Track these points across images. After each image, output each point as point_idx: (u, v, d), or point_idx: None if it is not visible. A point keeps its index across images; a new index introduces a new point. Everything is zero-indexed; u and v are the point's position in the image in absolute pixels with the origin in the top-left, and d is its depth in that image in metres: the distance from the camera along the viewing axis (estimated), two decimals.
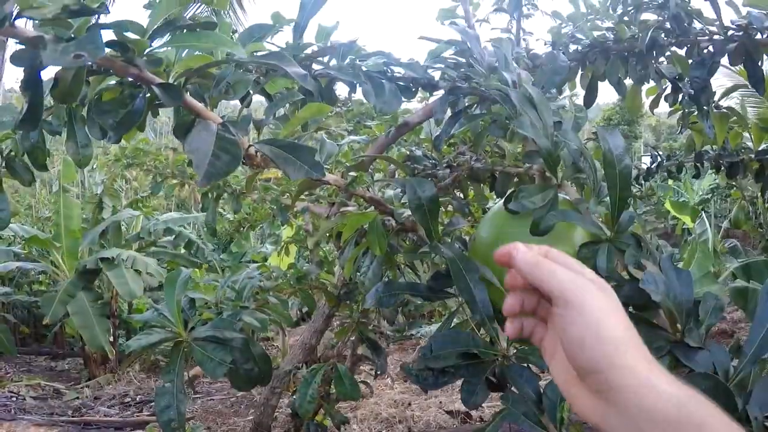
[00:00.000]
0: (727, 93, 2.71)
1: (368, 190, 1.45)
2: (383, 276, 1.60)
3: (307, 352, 3.21)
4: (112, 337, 7.17)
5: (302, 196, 2.97)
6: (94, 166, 9.40)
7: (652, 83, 2.46)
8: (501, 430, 1.04)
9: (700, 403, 0.62)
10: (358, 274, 1.61)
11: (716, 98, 2.61)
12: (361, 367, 4.53)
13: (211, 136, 0.88)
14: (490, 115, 1.34)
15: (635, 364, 0.64)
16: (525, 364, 1.08)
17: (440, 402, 4.84)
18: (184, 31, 1.01)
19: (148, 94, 1.01)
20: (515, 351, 1.11)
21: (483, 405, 1.15)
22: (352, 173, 1.39)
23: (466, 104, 1.48)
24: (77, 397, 6.48)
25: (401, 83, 1.52)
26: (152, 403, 6.11)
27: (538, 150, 1.15)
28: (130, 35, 0.97)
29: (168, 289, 1.68)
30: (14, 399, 6.27)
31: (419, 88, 1.55)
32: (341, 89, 1.63)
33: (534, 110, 1.16)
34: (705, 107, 2.47)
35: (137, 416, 5.54)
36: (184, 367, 1.59)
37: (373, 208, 1.51)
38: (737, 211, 8.53)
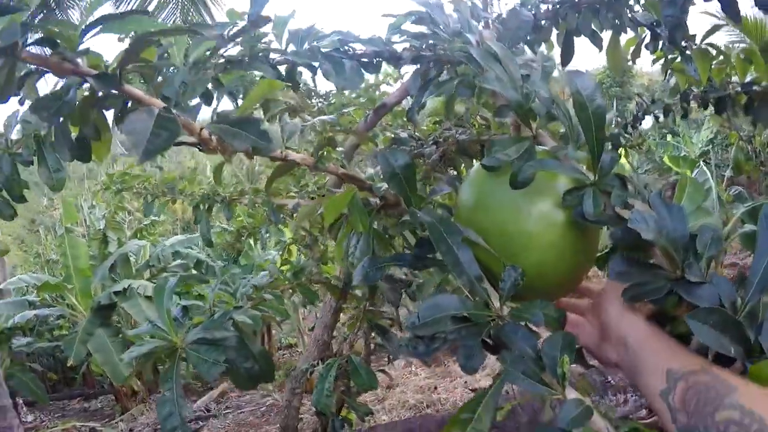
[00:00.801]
0: (708, 34, 2.65)
1: (342, 167, 1.43)
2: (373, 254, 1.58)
3: (321, 349, 3.19)
4: (137, 370, 7.18)
5: (292, 193, 2.97)
6: (93, 203, 9.45)
7: (631, 35, 2.43)
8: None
9: None
10: (349, 257, 1.59)
11: (698, 41, 2.56)
12: (381, 355, 4.53)
13: (150, 118, 0.87)
14: (457, 78, 1.32)
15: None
16: (520, 323, 1.05)
17: (465, 382, 4.83)
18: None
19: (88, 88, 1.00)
20: (509, 310, 1.08)
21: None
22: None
23: (435, 74, 1.46)
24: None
25: (364, 60, 1.51)
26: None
27: (508, 103, 1.13)
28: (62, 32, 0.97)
29: (157, 299, 1.68)
30: None
31: (383, 62, 1.54)
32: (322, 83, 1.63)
33: (499, 64, 1.13)
34: (684, 46, 2.43)
35: None
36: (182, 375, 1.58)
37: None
38: (736, 151, 8.44)
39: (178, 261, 8.12)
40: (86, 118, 1.10)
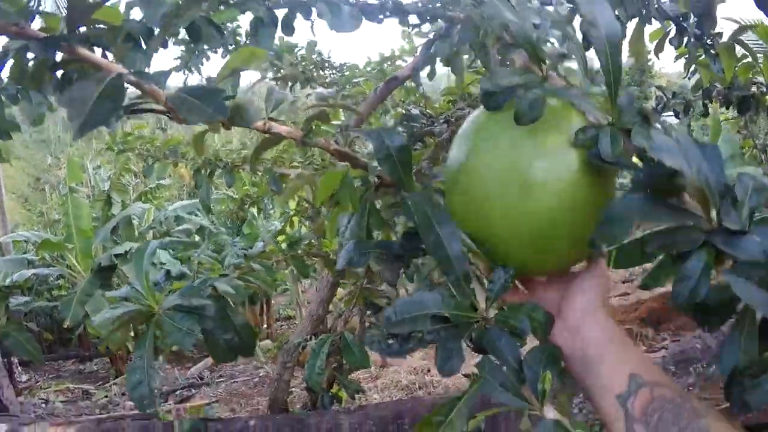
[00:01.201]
0: (736, 34, 2.54)
1: (335, 142, 1.36)
2: (367, 236, 1.51)
3: (315, 324, 3.16)
4: (132, 332, 7.17)
5: (295, 163, 2.92)
6: (99, 164, 9.42)
7: (656, 26, 2.33)
8: None
9: None
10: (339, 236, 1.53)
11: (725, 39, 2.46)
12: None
13: (94, 85, 0.78)
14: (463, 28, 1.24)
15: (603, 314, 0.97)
16: (505, 329, 0.97)
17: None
18: None
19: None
20: (495, 313, 1.01)
21: None
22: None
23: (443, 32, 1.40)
24: (105, 396, 6.51)
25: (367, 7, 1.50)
26: (177, 392, 6.15)
27: (514, 40, 1.03)
28: None
29: (137, 262, 1.62)
30: (44, 405, 6.31)
31: (388, 15, 1.49)
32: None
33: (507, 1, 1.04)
34: (709, 43, 2.34)
35: (162, 406, 5.53)
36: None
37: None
38: (748, 160, 8.35)
39: (182, 226, 8.09)
40: (39, 83, 1.01)
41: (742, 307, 0.79)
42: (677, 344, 4.57)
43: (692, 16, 2.22)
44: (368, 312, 2.79)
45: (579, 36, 0.99)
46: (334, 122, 1.54)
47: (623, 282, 9.32)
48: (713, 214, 0.81)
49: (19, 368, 7.70)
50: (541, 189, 0.91)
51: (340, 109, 2.78)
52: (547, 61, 1.02)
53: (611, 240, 0.87)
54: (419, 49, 1.75)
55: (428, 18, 1.39)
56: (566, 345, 0.94)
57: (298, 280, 6.56)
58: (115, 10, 0.91)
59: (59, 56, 0.90)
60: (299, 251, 2.36)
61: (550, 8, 1.18)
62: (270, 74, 3.45)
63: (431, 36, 1.41)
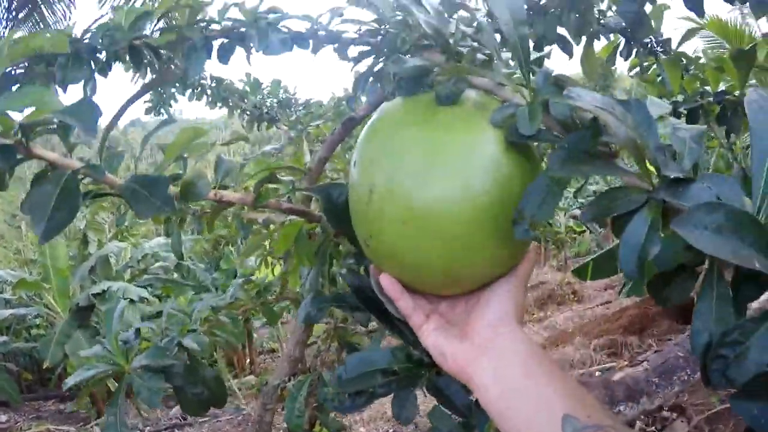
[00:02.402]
0: (683, 40, 2.57)
1: (289, 200, 1.36)
2: (322, 286, 1.51)
3: (293, 364, 3.12)
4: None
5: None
6: None
7: (605, 42, 2.35)
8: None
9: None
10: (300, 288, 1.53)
11: (674, 46, 2.49)
12: None
13: (52, 188, 0.79)
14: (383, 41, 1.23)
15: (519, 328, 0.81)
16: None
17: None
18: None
19: None
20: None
21: None
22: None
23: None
24: None
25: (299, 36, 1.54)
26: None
27: (429, 39, 1.02)
28: None
29: (107, 322, 1.63)
30: None
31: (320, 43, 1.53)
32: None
33: (422, 6, 1.00)
34: (659, 51, 2.36)
35: None
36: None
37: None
38: (716, 159, 8.43)
39: (159, 263, 8.03)
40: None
41: (707, 267, 0.67)
42: (659, 354, 4.56)
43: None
44: (344, 351, 2.78)
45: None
46: (286, 178, 1.53)
47: (605, 289, 9.35)
48: (650, 167, 0.71)
49: None
50: (455, 190, 0.77)
51: (305, 149, 2.77)
52: (462, 59, 1.01)
53: (533, 215, 0.71)
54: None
55: (363, 47, 1.39)
56: (475, 374, 0.78)
57: (278, 319, 6.53)
58: (61, 37, 0.90)
59: None
60: (269, 297, 2.34)
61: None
62: (236, 113, 3.45)
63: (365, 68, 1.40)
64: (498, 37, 1.02)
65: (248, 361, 8.54)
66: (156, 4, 1.49)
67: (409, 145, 0.79)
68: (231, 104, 3.65)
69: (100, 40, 1.39)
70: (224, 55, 1.59)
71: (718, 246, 0.58)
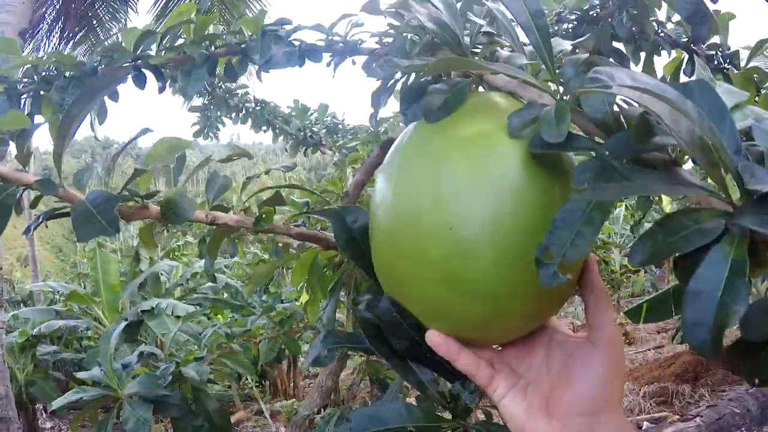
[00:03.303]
0: (755, 52, 2.31)
1: (303, 224, 1.29)
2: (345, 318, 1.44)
3: (324, 395, 3.06)
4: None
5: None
6: None
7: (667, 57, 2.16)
8: None
9: None
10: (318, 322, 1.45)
11: (743, 62, 2.26)
12: None
13: None
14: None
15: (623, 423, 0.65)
16: None
17: None
18: None
19: None
20: (475, 423, 0.89)
21: None
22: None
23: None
24: None
25: (310, 48, 1.50)
26: None
27: (438, 37, 0.83)
28: None
29: (102, 345, 1.58)
30: None
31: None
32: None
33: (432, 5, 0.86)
34: (726, 68, 2.15)
35: None
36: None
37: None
38: None
39: (209, 283, 8.07)
40: None
41: None
42: (713, 410, 4.36)
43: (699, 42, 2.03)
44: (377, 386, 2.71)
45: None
46: (300, 200, 1.46)
47: (658, 332, 9.06)
48: (728, 183, 0.49)
49: (44, 415, 7.72)
50: (441, 219, 0.63)
51: (348, 173, 2.73)
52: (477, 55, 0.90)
53: (563, 253, 0.52)
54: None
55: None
56: None
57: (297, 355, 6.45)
58: (23, 118, 0.86)
59: None
60: (293, 327, 2.27)
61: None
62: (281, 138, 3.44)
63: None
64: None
65: (291, 384, 8.49)
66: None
67: (405, 186, 0.69)
68: (276, 129, 3.64)
69: (98, 61, 1.36)
70: (230, 72, 1.55)
71: None
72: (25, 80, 1.31)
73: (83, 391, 1.50)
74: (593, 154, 0.57)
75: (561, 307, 0.73)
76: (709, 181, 0.52)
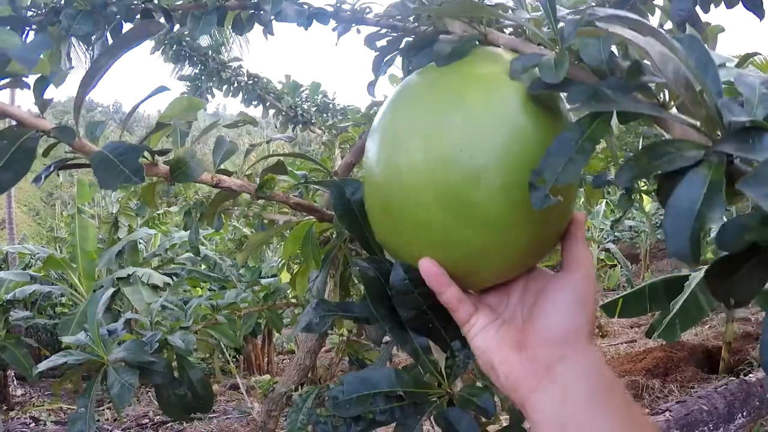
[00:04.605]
0: (740, 63, 2.38)
1: (300, 194, 1.30)
2: (341, 289, 1.44)
3: (302, 373, 3.06)
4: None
5: (285, 209, 2.85)
6: None
7: None
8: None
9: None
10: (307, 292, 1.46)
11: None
12: None
13: (9, 146, 0.71)
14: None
15: (590, 347, 0.67)
16: (468, 408, 0.87)
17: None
18: None
19: None
20: (459, 390, 0.91)
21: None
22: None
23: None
24: (98, 420, 6.42)
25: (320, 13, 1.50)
26: (168, 424, 6.05)
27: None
28: None
29: (90, 310, 1.57)
30: (33, 425, 6.24)
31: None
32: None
33: None
34: None
35: None
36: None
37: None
38: None
39: (187, 254, 8.04)
40: None
41: None
42: (682, 405, 4.42)
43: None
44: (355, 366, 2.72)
45: None
46: (299, 172, 1.46)
47: (631, 327, 9.17)
48: (708, 113, 0.54)
49: (14, 381, 7.67)
50: (457, 144, 0.66)
51: (336, 154, 2.72)
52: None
53: (555, 177, 0.56)
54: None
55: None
56: (531, 401, 0.66)
57: (279, 331, 6.49)
58: (44, 63, 0.83)
59: None
60: (275, 302, 2.28)
61: None
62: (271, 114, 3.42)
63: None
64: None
65: (266, 360, 8.51)
66: None
67: (416, 116, 0.70)
68: (267, 104, 3.62)
69: None
70: (239, 26, 1.54)
71: None
72: (33, 10, 1.29)
73: (69, 355, 1.49)
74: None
75: (548, 251, 0.74)
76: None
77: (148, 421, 6.13)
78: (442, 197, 0.67)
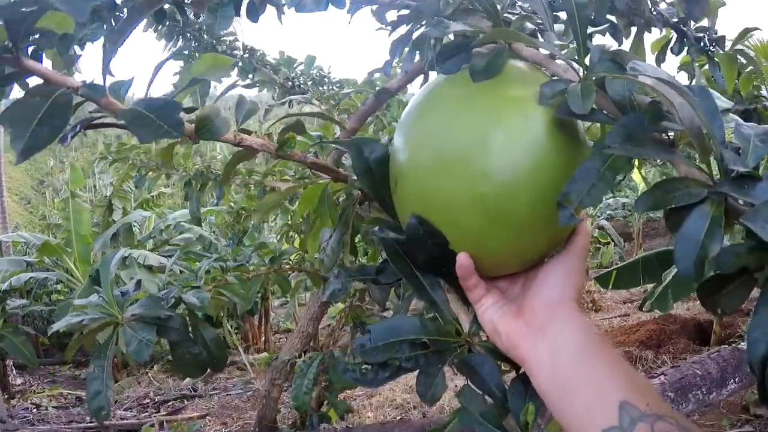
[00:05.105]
0: (739, 38, 2.42)
1: (315, 155, 1.32)
2: (351, 251, 1.46)
3: (305, 341, 3.11)
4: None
5: (287, 177, 2.87)
6: (100, 168, 9.38)
7: (657, 36, 2.25)
8: None
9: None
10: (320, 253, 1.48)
11: (728, 45, 2.35)
12: None
13: (39, 103, 0.72)
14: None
15: (576, 311, 0.78)
16: (489, 355, 0.91)
17: (455, 385, 4.73)
18: None
19: None
20: (479, 339, 0.94)
21: None
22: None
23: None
24: None
25: None
26: (169, 403, 6.09)
27: (473, 4, 0.92)
28: None
29: (102, 271, 1.58)
30: (35, 410, 6.27)
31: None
32: None
33: None
34: (711, 50, 2.25)
35: (153, 416, 5.48)
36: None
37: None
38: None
39: (182, 235, 8.05)
40: None
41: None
42: (676, 370, 4.49)
43: (692, 22, 2.13)
44: (358, 332, 2.75)
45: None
46: (314, 133, 1.49)
47: (624, 302, 9.27)
48: (714, 156, 0.65)
49: (14, 371, 7.69)
50: (497, 163, 0.76)
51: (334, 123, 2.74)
52: (510, 26, 0.95)
53: (580, 200, 0.67)
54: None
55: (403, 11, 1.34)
56: (529, 354, 0.77)
57: (295, 293, 6.51)
58: (68, 20, 0.84)
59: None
60: (282, 266, 2.30)
61: None
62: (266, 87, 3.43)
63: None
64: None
65: (263, 338, 8.55)
66: None
67: (457, 133, 0.80)
68: (262, 77, 3.63)
69: None
70: (254, 12, 1.55)
71: None
72: None
73: (84, 314, 1.50)
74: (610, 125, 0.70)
75: (556, 248, 0.85)
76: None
77: (149, 401, 6.16)
78: (481, 205, 0.77)
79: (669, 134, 0.71)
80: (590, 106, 0.71)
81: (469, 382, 0.88)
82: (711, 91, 0.75)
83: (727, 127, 0.70)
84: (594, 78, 0.75)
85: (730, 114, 0.85)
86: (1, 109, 0.73)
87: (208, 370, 1.60)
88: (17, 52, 0.77)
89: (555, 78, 0.79)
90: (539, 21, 0.97)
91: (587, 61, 0.78)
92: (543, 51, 0.84)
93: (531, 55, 0.86)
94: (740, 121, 0.76)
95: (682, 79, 2.49)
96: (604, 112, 0.75)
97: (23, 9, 0.71)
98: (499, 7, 0.93)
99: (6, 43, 0.75)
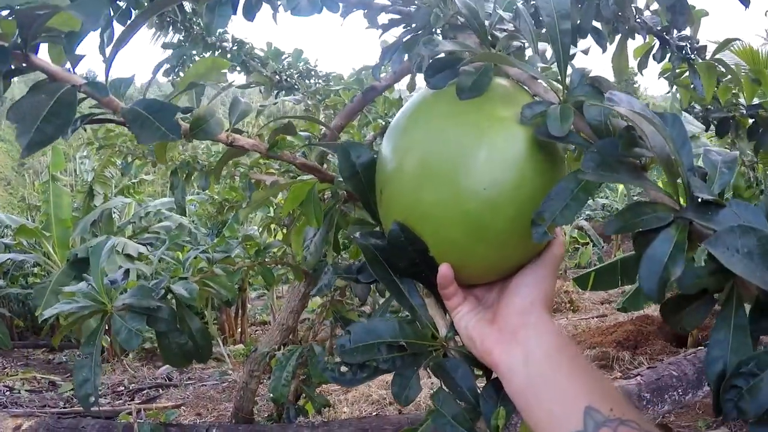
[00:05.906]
0: (719, 48, 2.48)
1: (303, 155, 1.33)
2: (325, 254, 1.48)
3: (285, 334, 3.11)
4: (106, 326, 7.07)
5: (272, 170, 2.87)
6: (85, 153, 9.33)
7: (640, 42, 2.29)
8: None
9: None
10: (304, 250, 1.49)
11: (708, 55, 2.40)
12: None
13: (45, 100, 0.74)
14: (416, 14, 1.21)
15: (548, 316, 0.82)
16: (465, 360, 0.93)
17: (432, 383, 4.75)
18: None
19: None
20: (455, 343, 0.96)
21: None
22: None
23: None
24: (72, 389, 6.41)
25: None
26: (144, 391, 6.07)
27: (464, 21, 0.97)
28: None
29: (93, 259, 1.59)
30: (7, 393, 6.22)
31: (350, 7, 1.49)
32: None
33: None
34: (692, 58, 2.30)
35: (128, 404, 5.46)
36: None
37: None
38: (737, 177, 8.32)
39: (162, 223, 8.02)
40: None
41: (726, 296, 0.66)
42: (653, 371, 4.55)
43: (675, 30, 2.18)
44: (338, 326, 2.76)
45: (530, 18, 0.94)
46: (303, 133, 1.50)
47: (602, 303, 9.34)
48: (682, 183, 0.69)
49: None
50: (480, 179, 0.79)
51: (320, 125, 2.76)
52: (497, 45, 0.99)
53: (553, 218, 0.71)
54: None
55: (394, 15, 1.36)
56: (502, 360, 0.79)
57: (272, 285, 6.51)
58: (74, 19, 0.85)
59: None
60: (266, 259, 2.32)
61: None
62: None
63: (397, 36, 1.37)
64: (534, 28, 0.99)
65: (239, 330, 8.53)
66: None
67: (444, 147, 0.82)
68: (250, 70, 3.63)
69: None
70: (250, 11, 1.56)
71: (749, 270, 0.57)
72: None
73: (74, 302, 1.51)
74: (585, 149, 0.74)
75: (532, 258, 0.88)
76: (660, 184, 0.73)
77: (123, 389, 6.13)
78: (462, 219, 0.80)
79: (641, 159, 0.74)
80: (568, 129, 0.75)
81: (443, 385, 0.91)
82: (685, 115, 0.79)
83: (697, 151, 0.77)
84: (572, 101, 0.80)
85: (701, 139, 0.94)
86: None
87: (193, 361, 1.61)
88: (26, 49, 0.79)
89: (537, 98, 0.84)
90: (523, 40, 1.01)
91: (568, 81, 0.82)
92: (534, 76, 0.87)
93: (516, 74, 0.90)
94: (709, 145, 0.82)
95: (663, 85, 2.52)
96: (581, 134, 0.79)
97: (37, 12, 0.72)
98: (487, 23, 0.96)
99: (16, 39, 0.77)
